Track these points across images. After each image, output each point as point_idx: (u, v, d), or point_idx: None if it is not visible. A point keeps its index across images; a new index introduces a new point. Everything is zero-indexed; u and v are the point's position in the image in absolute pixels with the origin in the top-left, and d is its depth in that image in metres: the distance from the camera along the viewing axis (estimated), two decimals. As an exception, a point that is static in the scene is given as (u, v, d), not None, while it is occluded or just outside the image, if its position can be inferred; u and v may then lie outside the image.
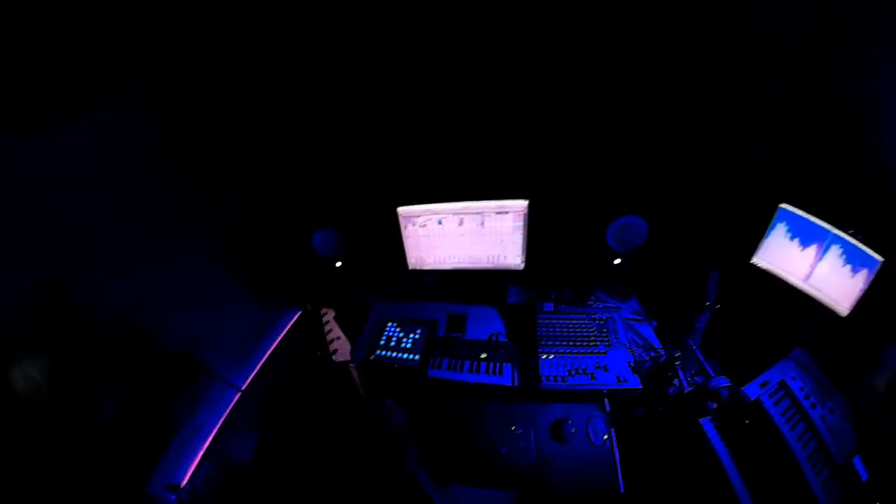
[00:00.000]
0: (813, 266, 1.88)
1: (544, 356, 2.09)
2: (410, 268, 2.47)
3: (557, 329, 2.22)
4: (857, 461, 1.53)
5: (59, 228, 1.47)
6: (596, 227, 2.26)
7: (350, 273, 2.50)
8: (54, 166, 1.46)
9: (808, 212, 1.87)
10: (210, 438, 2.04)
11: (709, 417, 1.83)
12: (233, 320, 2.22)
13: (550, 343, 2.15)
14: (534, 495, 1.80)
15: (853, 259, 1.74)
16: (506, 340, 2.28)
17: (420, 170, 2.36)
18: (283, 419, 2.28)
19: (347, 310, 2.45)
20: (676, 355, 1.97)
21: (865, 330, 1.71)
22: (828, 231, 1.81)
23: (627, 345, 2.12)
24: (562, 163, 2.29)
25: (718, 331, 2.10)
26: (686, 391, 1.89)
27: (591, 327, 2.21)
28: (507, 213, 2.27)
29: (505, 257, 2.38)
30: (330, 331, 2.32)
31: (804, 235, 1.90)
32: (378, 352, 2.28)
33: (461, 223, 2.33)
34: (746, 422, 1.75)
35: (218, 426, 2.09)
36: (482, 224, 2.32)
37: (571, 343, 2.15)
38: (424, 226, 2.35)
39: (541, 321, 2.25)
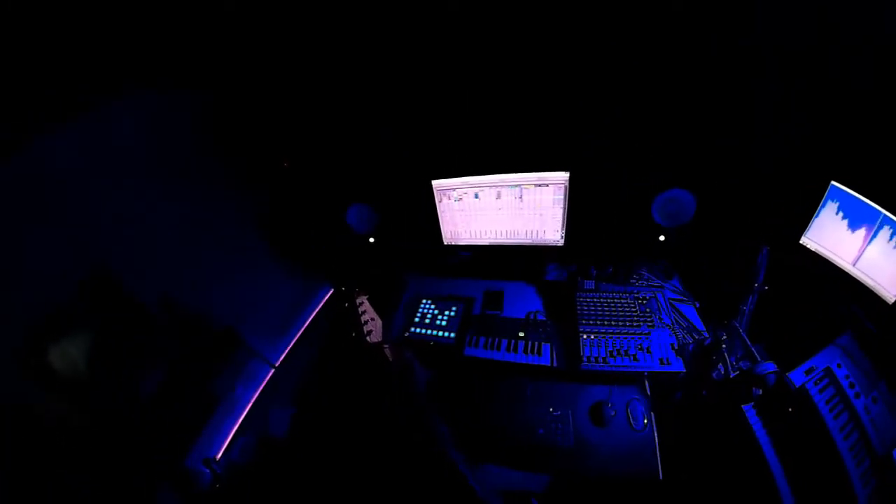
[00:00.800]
0: (862, 249, 1.77)
1: (584, 336, 2.04)
2: (445, 243, 2.38)
3: (598, 308, 2.16)
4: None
5: (107, 217, 1.50)
6: (641, 200, 2.14)
7: (384, 249, 2.41)
8: (98, 157, 1.48)
9: (859, 192, 1.75)
10: (245, 413, 2.06)
11: (751, 404, 1.80)
12: (267, 298, 2.22)
13: (591, 322, 2.09)
14: (569, 479, 1.79)
15: None
16: (544, 319, 2.22)
17: (456, 141, 2.22)
18: (316, 396, 2.30)
19: (381, 287, 2.40)
20: (723, 338, 1.92)
21: None
22: (879, 212, 1.69)
23: (671, 326, 2.07)
24: (604, 132, 2.14)
25: (764, 314, 2.02)
26: (731, 376, 1.85)
27: (634, 306, 2.15)
28: (547, 185, 2.15)
29: (544, 232, 2.28)
30: (364, 312, 2.28)
31: (854, 216, 1.78)
32: (413, 329, 2.24)
33: (498, 196, 2.21)
34: (790, 410, 1.72)
35: (253, 400, 2.11)
36: (520, 197, 2.20)
37: (613, 322, 2.09)
38: (460, 199, 2.24)
39: (581, 299, 2.19)
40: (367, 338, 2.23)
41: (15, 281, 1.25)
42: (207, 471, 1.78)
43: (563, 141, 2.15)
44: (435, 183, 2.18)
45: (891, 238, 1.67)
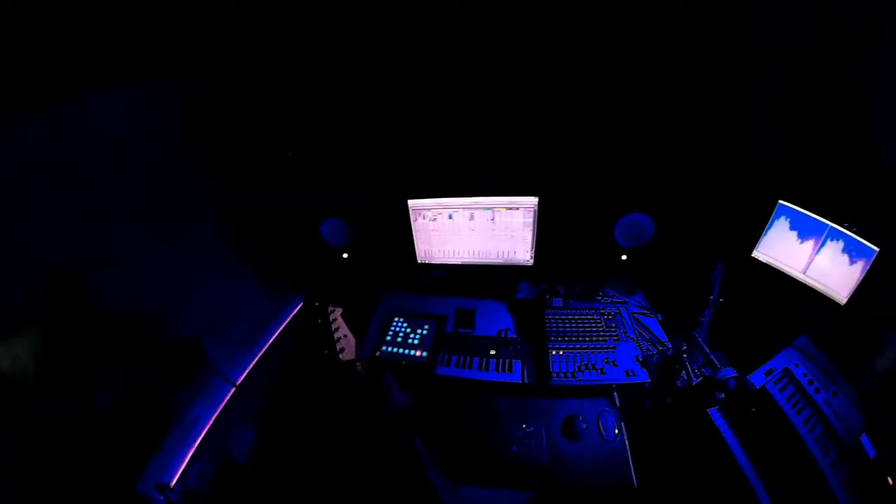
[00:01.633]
0: (811, 258, 1.95)
1: (554, 352, 2.09)
2: (419, 261, 2.43)
3: (566, 324, 2.23)
4: (864, 440, 1.58)
5: (67, 218, 1.41)
6: (604, 223, 2.29)
7: (357, 265, 2.43)
8: (56, 152, 1.38)
9: (805, 208, 1.94)
10: (203, 434, 1.93)
11: (716, 407, 1.88)
12: (234, 310, 2.11)
13: (559, 339, 2.15)
14: (549, 494, 1.77)
15: (849, 250, 1.80)
16: (515, 337, 2.27)
17: (432, 164, 2.32)
18: (283, 416, 2.19)
19: (354, 303, 2.39)
20: (683, 348, 2.02)
21: (864, 316, 1.77)
22: (825, 224, 1.88)
23: (635, 339, 2.16)
24: (570, 161, 2.30)
25: (723, 323, 2.15)
26: (694, 383, 1.94)
27: (600, 322, 2.24)
28: (517, 209, 2.27)
29: (514, 252, 2.38)
30: (337, 328, 2.25)
31: (802, 230, 1.96)
32: (384, 348, 2.23)
33: (472, 217, 2.31)
34: (753, 410, 1.80)
35: (211, 421, 1.98)
36: (493, 219, 2.31)
37: (580, 338, 2.16)
38: (435, 219, 2.32)
39: (550, 316, 2.26)
40: (340, 355, 2.19)
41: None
42: (161, 498, 1.65)
43: (533, 168, 2.28)
44: (411, 203, 2.27)
45: (837, 247, 1.84)
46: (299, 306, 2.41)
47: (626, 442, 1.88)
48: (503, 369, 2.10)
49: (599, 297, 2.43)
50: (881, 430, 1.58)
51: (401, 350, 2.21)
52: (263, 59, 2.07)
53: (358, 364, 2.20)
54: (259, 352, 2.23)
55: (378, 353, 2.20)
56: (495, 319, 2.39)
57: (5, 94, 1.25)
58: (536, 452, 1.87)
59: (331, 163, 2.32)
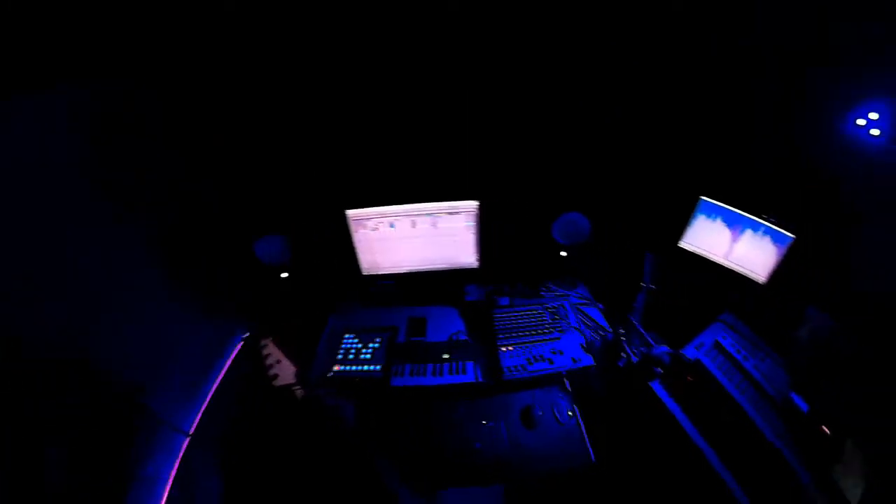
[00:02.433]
0: (732, 245, 2.22)
1: (504, 349, 2.15)
2: (364, 273, 2.39)
3: (514, 321, 2.30)
4: (793, 396, 1.81)
5: None
6: (543, 223, 2.41)
7: (300, 283, 2.34)
8: None
9: (724, 202, 2.20)
10: (165, 495, 1.70)
11: (657, 380, 2.04)
12: (176, 347, 1.86)
13: (508, 335, 2.22)
14: (517, 485, 1.83)
15: (764, 237, 2.08)
16: (465, 338, 2.30)
17: (369, 171, 2.31)
18: (243, 457, 2.02)
19: (298, 324, 2.29)
20: (621, 332, 2.17)
21: (782, 292, 2.04)
22: (742, 216, 2.15)
23: (578, 328, 2.28)
24: (508, 164, 2.40)
25: (656, 306, 2.35)
26: (634, 361, 2.10)
27: (545, 316, 2.33)
28: (458, 213, 2.31)
29: (459, 257, 2.42)
30: (268, 355, 2.15)
31: (723, 221, 2.22)
32: (336, 367, 2.15)
33: (413, 225, 2.32)
34: (689, 379, 1.97)
35: (171, 478, 1.74)
36: (435, 225, 2.34)
37: (528, 333, 2.24)
38: (376, 229, 2.30)
39: (497, 315, 2.32)
40: (273, 382, 2.09)
41: None
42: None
43: (472, 172, 2.33)
44: (350, 213, 2.23)
45: (754, 234, 2.12)
46: (241, 341, 2.24)
47: (581, 422, 1.98)
48: (457, 371, 2.11)
49: (543, 293, 2.54)
50: (809, 389, 1.80)
51: (353, 367, 2.15)
52: (186, 59, 1.88)
53: (295, 389, 2.11)
54: (210, 391, 2.02)
55: (329, 374, 2.12)
56: (447, 324, 2.40)
57: None
58: (498, 445, 1.92)
59: (263, 174, 2.22)
